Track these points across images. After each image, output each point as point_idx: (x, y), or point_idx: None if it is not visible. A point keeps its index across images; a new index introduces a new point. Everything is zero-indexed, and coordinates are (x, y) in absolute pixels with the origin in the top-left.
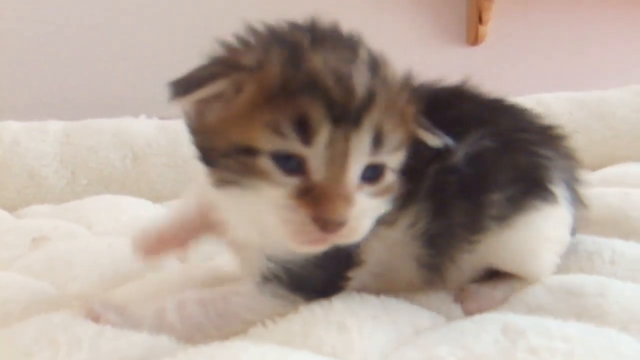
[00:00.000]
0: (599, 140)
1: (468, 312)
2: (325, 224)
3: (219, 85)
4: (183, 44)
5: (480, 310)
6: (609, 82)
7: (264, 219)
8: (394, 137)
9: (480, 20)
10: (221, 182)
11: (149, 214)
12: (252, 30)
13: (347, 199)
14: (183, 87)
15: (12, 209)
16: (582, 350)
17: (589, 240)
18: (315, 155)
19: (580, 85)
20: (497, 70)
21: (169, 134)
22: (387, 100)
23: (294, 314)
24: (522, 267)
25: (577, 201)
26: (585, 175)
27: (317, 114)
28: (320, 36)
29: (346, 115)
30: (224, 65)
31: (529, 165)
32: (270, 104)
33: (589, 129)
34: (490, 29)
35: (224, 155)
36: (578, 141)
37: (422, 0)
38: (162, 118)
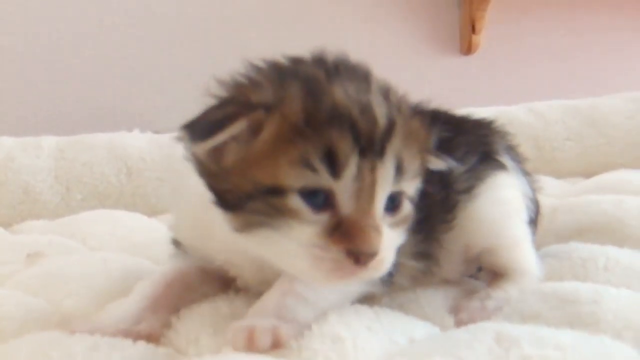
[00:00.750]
0: (592, 147)
1: (461, 324)
2: (359, 257)
3: (237, 126)
4: (176, 59)
5: (474, 322)
6: (602, 89)
7: (294, 258)
8: (413, 164)
9: (473, 29)
10: (246, 226)
11: (143, 228)
12: (256, 67)
13: (378, 230)
14: (200, 131)
15: (6, 224)
16: (575, 358)
17: (583, 248)
18: (344, 188)
19: (573, 93)
20: (491, 79)
21: (163, 148)
22: (405, 128)
23: None
24: (498, 239)
25: (525, 172)
26: (578, 182)
27: (345, 146)
28: (334, 68)
29: (371, 145)
30: (238, 105)
31: (478, 142)
32: (296, 140)
33: (582, 136)
34: (484, 38)
35: (249, 197)
36: (571, 149)
37: (415, 11)
38: (155, 132)
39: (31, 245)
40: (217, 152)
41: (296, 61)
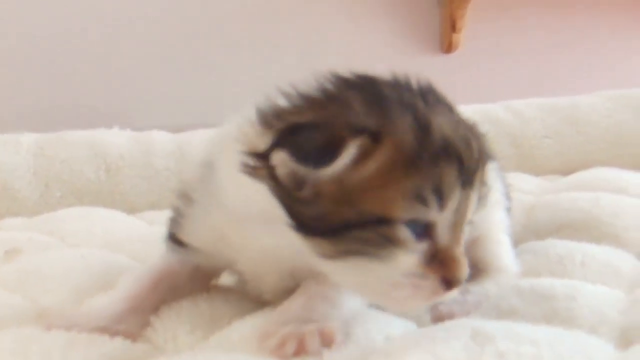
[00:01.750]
0: (570, 145)
1: (439, 319)
2: (452, 284)
3: (349, 153)
4: (156, 56)
5: (452, 316)
6: (581, 88)
7: (388, 286)
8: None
9: (453, 28)
10: (339, 253)
11: (122, 225)
12: (335, 83)
13: (465, 258)
14: (310, 156)
15: None
16: (550, 354)
17: (560, 244)
18: (445, 220)
19: (552, 91)
20: (471, 77)
21: (142, 145)
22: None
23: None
24: (478, 231)
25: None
26: (556, 180)
27: (453, 179)
28: (425, 95)
29: (469, 178)
30: (343, 129)
31: None
32: (409, 172)
33: (561, 134)
34: (464, 36)
35: (349, 225)
36: (550, 146)
37: (396, 9)
38: (135, 129)
39: (9, 242)
40: (296, 176)
41: (376, 82)
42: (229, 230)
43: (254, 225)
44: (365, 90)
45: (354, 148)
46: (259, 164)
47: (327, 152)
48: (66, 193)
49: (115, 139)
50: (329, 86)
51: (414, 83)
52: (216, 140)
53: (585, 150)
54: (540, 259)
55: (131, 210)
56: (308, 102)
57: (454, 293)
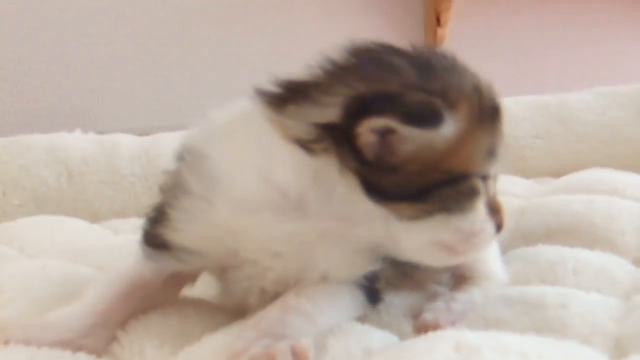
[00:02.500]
0: (561, 145)
1: (424, 328)
2: (500, 229)
3: (451, 115)
4: (120, 56)
5: (438, 325)
6: (571, 84)
7: (461, 237)
8: None
9: (438, 22)
10: (422, 213)
11: (85, 234)
12: (368, 53)
13: None
14: (426, 118)
15: None
16: None
17: (551, 250)
18: (495, 172)
19: (541, 88)
20: None
21: (106, 149)
22: None
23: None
24: None
25: None
26: (547, 182)
27: (500, 133)
28: (453, 59)
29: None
30: (448, 96)
31: None
32: (481, 130)
33: (551, 134)
34: (449, 31)
35: (433, 185)
36: (540, 147)
37: (379, 4)
38: (98, 132)
39: None
40: (392, 144)
41: (399, 49)
42: (235, 222)
43: (272, 213)
44: (405, 56)
45: (464, 112)
46: (324, 138)
47: (437, 115)
48: (25, 200)
49: (78, 143)
50: (362, 56)
51: (435, 48)
52: (209, 130)
53: (577, 150)
54: (530, 265)
55: (95, 218)
56: (347, 71)
57: None
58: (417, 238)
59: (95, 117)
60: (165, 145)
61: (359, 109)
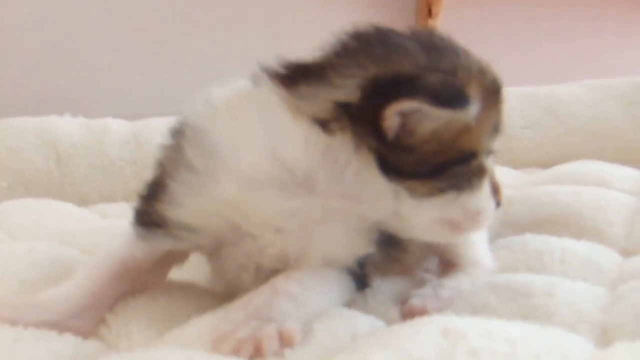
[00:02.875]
0: (551, 137)
1: (411, 314)
2: (499, 206)
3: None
4: (110, 41)
5: (425, 311)
6: (562, 77)
7: (470, 213)
8: None
9: (429, 13)
10: (435, 190)
11: (73, 218)
12: (373, 36)
13: None
14: (457, 94)
15: None
16: (525, 352)
17: (539, 240)
18: (495, 149)
19: (533, 80)
20: None
21: (96, 133)
22: None
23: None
24: None
25: None
26: (536, 172)
27: (501, 111)
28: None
29: None
30: (458, 76)
31: None
32: (489, 108)
33: (541, 125)
34: (440, 22)
35: (447, 164)
36: (530, 138)
37: None
38: (87, 117)
39: None
40: (410, 124)
41: (399, 32)
42: (240, 197)
43: (278, 190)
44: (410, 38)
45: (474, 91)
46: (341, 117)
47: (463, 95)
48: (14, 183)
49: (67, 127)
50: (370, 39)
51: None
52: (211, 106)
53: (567, 142)
54: (518, 254)
55: (83, 202)
56: (358, 53)
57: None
58: (425, 215)
59: (85, 103)
60: (155, 131)
61: (376, 91)
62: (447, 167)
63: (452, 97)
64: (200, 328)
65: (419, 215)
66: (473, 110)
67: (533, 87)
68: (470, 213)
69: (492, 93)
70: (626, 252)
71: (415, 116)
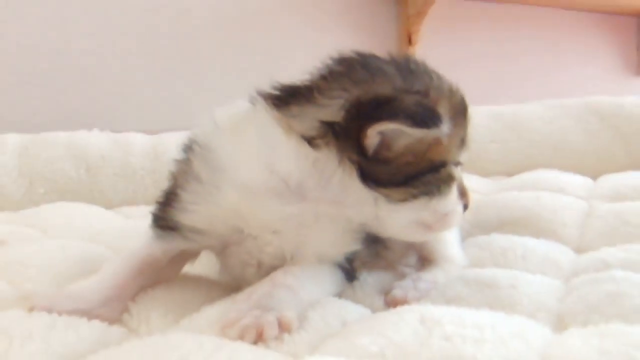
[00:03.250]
0: (514, 149)
1: (393, 303)
2: (466, 209)
3: (445, 113)
4: (134, 64)
5: (405, 301)
6: (524, 95)
7: (440, 215)
8: None
9: (410, 42)
10: (408, 197)
11: (101, 219)
12: (358, 62)
13: None
14: (430, 115)
15: None
16: (492, 336)
17: (503, 239)
18: (463, 160)
19: (500, 99)
20: None
21: (120, 146)
22: None
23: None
24: None
25: None
26: (501, 180)
27: (468, 126)
28: (425, 65)
29: None
30: (430, 96)
31: None
32: (457, 125)
33: (505, 139)
34: (419, 50)
35: (419, 173)
36: (495, 150)
37: (354, 22)
38: (113, 131)
39: None
40: (388, 140)
41: (380, 57)
42: (241, 204)
43: (274, 198)
44: (388, 62)
45: (444, 109)
46: (326, 134)
47: (437, 115)
48: (49, 190)
49: (95, 140)
50: (353, 64)
51: (409, 56)
52: (215, 126)
53: (527, 153)
54: (485, 251)
55: (109, 205)
56: (342, 77)
57: None
58: (401, 218)
59: (110, 119)
60: (171, 143)
61: (358, 112)
62: (420, 175)
63: (426, 118)
64: (210, 316)
65: (396, 218)
66: (444, 128)
67: (498, 106)
68: (440, 215)
69: (460, 111)
70: (579, 250)
71: (393, 134)
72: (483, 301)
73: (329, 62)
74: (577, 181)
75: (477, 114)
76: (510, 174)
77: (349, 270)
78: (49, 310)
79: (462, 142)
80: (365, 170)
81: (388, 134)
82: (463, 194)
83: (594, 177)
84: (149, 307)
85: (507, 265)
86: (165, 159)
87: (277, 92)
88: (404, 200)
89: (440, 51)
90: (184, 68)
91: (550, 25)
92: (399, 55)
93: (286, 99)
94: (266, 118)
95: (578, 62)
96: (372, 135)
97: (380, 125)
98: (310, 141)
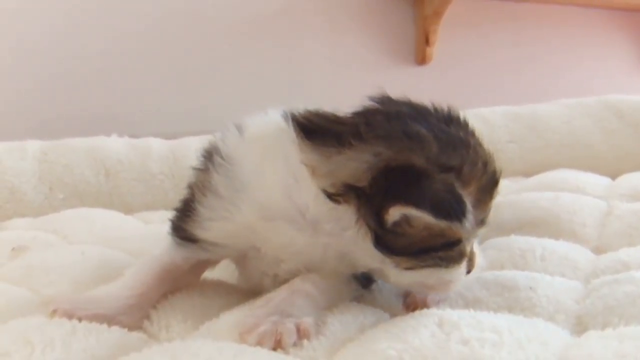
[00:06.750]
0: (532, 149)
1: (413, 306)
2: (468, 273)
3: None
4: (152, 68)
5: (425, 304)
6: (542, 94)
7: (445, 282)
8: None
9: (427, 42)
10: (415, 266)
11: (120, 224)
12: (390, 115)
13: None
14: (456, 210)
15: None
16: (510, 340)
17: (522, 240)
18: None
19: (517, 99)
20: (443, 86)
21: (139, 151)
22: None
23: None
24: None
25: None
26: (520, 181)
27: (493, 203)
28: (467, 127)
29: None
30: (463, 175)
31: None
32: (480, 205)
33: (524, 139)
34: (437, 50)
35: (432, 249)
36: (514, 150)
37: (375, 25)
38: (132, 136)
39: (16, 241)
40: (407, 220)
41: (426, 113)
42: (259, 225)
43: (289, 224)
44: (429, 124)
45: (472, 193)
46: (348, 194)
47: (462, 209)
48: (69, 195)
49: (114, 145)
50: (390, 119)
51: (452, 113)
52: (242, 137)
53: (546, 153)
54: (504, 253)
55: (128, 210)
56: (377, 134)
57: None
58: (404, 279)
59: (129, 123)
60: (190, 148)
61: (386, 183)
62: (433, 251)
63: (451, 210)
64: (229, 322)
65: (399, 278)
66: (466, 222)
67: (516, 106)
68: (444, 282)
69: (488, 190)
70: (598, 250)
71: (414, 216)
72: (502, 304)
73: (369, 107)
74: (596, 180)
75: (495, 114)
76: (528, 174)
77: (367, 275)
78: (70, 316)
79: (482, 221)
80: (379, 237)
81: (411, 215)
82: (470, 258)
83: (613, 176)
84: (169, 313)
85: (526, 266)
86: (184, 163)
87: (308, 123)
88: (411, 268)
89: (458, 51)
90: (202, 71)
91: (568, 23)
92: (442, 113)
93: (316, 136)
94: (293, 149)
95: (596, 59)
96: (393, 214)
97: (404, 208)
98: (330, 196)
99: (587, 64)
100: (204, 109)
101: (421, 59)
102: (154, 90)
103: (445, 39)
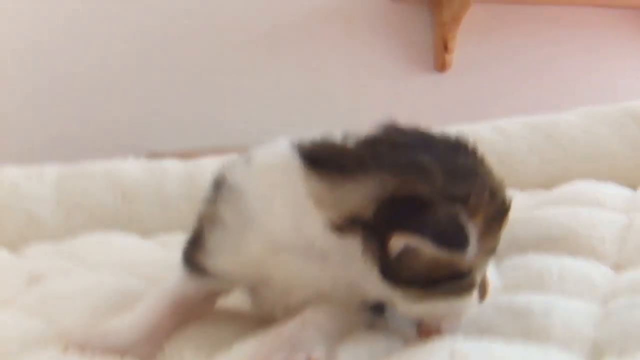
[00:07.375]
0: (552, 160)
1: (427, 334)
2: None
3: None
4: (168, 86)
5: (440, 332)
6: (562, 102)
7: (455, 315)
8: None
9: (446, 49)
10: (423, 298)
11: (137, 249)
12: (400, 143)
13: None
14: (459, 238)
15: (12, 247)
16: None
17: (539, 259)
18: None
19: (538, 108)
20: (462, 93)
21: (155, 173)
22: None
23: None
24: None
25: None
26: (539, 194)
27: (502, 233)
28: (476, 155)
29: None
30: (469, 206)
31: None
32: (489, 236)
33: (542, 150)
34: (456, 56)
35: (443, 280)
36: (533, 162)
37: (392, 31)
38: (147, 157)
39: (33, 267)
40: (413, 250)
41: (435, 142)
42: (267, 256)
43: (298, 256)
44: (435, 153)
45: (477, 224)
46: (354, 226)
47: (465, 238)
48: (86, 219)
49: (131, 168)
50: (397, 147)
51: (460, 141)
52: (249, 168)
53: (565, 164)
54: (520, 273)
55: (146, 232)
56: (382, 166)
57: None
58: (414, 309)
59: (146, 139)
60: (206, 169)
61: (390, 212)
62: (440, 282)
63: (453, 240)
64: (241, 353)
65: (408, 308)
66: (470, 251)
67: (535, 116)
68: (454, 312)
69: (496, 219)
70: (617, 267)
71: (418, 244)
72: (517, 331)
73: (375, 136)
74: (615, 192)
75: (513, 125)
76: (548, 186)
77: (378, 303)
78: (83, 350)
79: (492, 250)
80: (386, 268)
81: (413, 244)
82: (482, 286)
83: (634, 186)
84: (181, 344)
85: (542, 287)
86: (200, 184)
87: (314, 154)
88: (419, 300)
89: (477, 58)
90: (221, 88)
91: (588, 25)
92: (449, 141)
93: (321, 167)
94: (299, 180)
95: (619, 59)
96: (396, 243)
97: (406, 236)
98: (335, 228)
99: (609, 65)
100: (221, 123)
101: (440, 66)
102: (172, 105)
103: (464, 45)
